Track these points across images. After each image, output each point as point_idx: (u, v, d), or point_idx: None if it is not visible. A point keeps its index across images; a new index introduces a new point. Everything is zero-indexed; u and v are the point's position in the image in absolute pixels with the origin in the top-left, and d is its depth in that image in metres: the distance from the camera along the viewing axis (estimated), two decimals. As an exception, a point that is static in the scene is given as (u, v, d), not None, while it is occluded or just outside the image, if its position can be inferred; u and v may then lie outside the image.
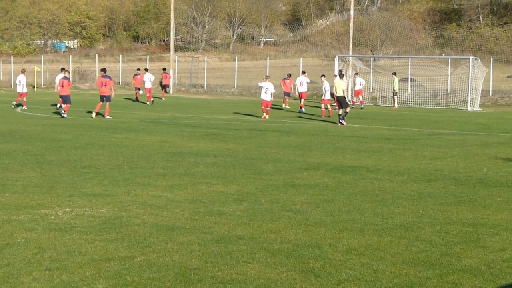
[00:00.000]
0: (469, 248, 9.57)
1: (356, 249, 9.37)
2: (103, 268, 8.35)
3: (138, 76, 46.48)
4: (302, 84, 40.03)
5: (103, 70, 32.72)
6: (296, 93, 41.20)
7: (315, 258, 8.92)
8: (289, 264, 8.64)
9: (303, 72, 42.23)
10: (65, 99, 31.54)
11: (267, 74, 39.94)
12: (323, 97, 35.43)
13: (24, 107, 37.20)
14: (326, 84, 35.52)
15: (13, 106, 37.63)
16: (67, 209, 11.56)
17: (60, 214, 11.22)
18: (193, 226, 10.56)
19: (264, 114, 33.14)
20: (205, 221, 10.87)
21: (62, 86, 31.71)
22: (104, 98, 31.30)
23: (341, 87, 30.63)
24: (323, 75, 37.50)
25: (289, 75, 43.73)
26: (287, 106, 42.00)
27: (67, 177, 14.77)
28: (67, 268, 8.33)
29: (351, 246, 9.55)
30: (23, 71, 39.54)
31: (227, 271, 8.32)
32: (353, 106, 42.30)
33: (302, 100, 39.48)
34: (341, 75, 32.61)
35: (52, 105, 39.05)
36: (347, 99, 32.59)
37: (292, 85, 42.53)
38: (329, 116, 34.22)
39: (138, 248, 9.23)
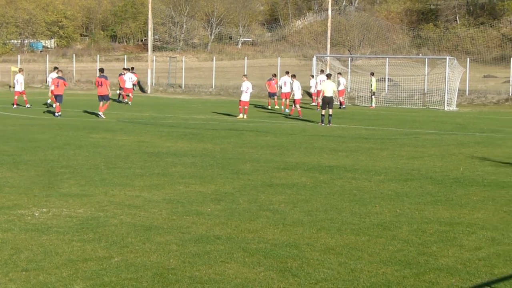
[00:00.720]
0: (446, 247, 9.63)
1: (334, 249, 9.40)
2: (80, 268, 8.31)
3: (124, 76, 45.98)
4: (285, 84, 39.93)
5: (101, 70, 32.61)
6: (279, 93, 41.21)
7: (293, 257, 8.94)
8: (267, 264, 8.65)
9: (287, 72, 41.94)
10: (58, 99, 31.49)
11: (245, 73, 39.88)
12: (294, 97, 35.56)
13: (28, 105, 37.04)
14: (296, 84, 35.83)
15: (15, 107, 37.10)
16: (44, 210, 11.49)
17: (36, 214, 11.14)
18: (170, 226, 10.54)
19: (241, 114, 33.13)
20: (183, 221, 10.85)
21: (57, 85, 31.61)
22: (101, 98, 31.39)
23: (331, 87, 30.57)
24: (294, 75, 37.77)
25: (274, 75, 43.64)
26: (276, 106, 41.77)
27: (43, 177, 14.68)
28: (44, 268, 8.28)
29: (329, 245, 9.58)
30: (20, 70, 39.31)
31: (205, 271, 8.31)
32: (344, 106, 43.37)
33: (287, 100, 39.37)
34: (328, 76, 32.74)
35: (43, 104, 38.79)
36: (335, 101, 32.99)
37: (276, 85, 42.48)
38: (289, 115, 34.64)
39: (115, 249, 9.20)
